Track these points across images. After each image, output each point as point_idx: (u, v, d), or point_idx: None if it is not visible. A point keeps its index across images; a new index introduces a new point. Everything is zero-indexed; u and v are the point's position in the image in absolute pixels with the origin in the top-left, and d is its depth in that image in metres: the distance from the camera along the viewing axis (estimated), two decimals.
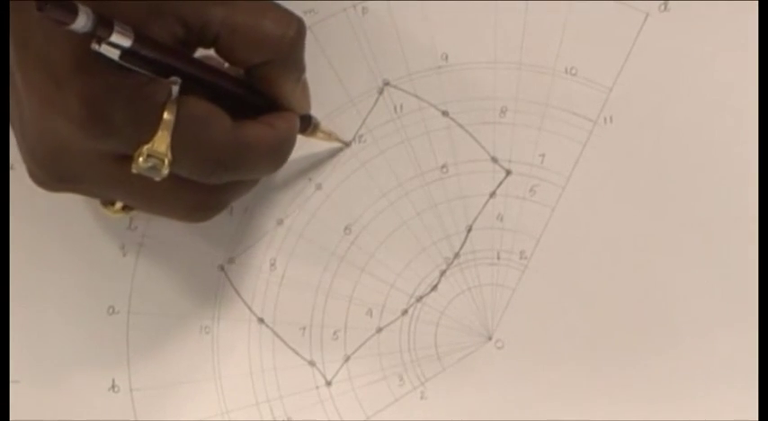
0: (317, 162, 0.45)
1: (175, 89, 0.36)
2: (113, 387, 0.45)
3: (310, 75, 0.43)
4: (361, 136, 0.45)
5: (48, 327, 0.45)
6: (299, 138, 0.42)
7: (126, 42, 0.33)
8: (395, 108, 0.44)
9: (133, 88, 0.34)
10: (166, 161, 0.35)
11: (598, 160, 0.43)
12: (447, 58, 0.44)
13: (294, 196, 0.45)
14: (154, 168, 0.36)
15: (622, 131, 0.43)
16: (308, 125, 0.42)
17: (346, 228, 0.45)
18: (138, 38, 0.34)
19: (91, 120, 0.34)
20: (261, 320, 0.45)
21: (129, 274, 0.45)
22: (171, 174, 0.36)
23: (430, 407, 0.44)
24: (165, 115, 0.35)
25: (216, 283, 0.45)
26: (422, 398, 0.44)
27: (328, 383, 0.44)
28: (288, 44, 0.38)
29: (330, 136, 0.44)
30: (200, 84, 0.37)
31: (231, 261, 0.45)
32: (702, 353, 0.43)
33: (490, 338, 0.44)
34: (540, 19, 0.44)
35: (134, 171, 0.36)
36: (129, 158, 0.36)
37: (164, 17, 0.35)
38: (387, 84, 0.44)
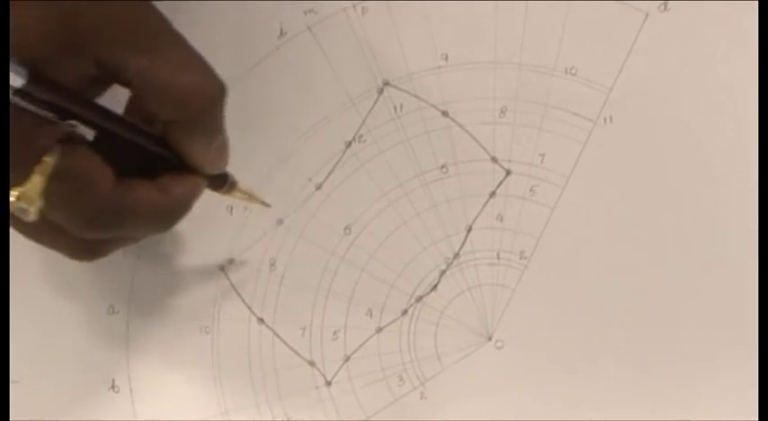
0: (317, 162, 0.45)
1: (87, 133, 0.35)
2: (113, 387, 0.45)
3: (310, 74, 0.44)
4: (361, 136, 0.45)
5: (47, 328, 0.45)
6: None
7: (17, 82, 0.32)
8: (395, 108, 0.44)
9: (19, 130, 0.33)
10: (34, 208, 0.34)
11: (598, 160, 0.43)
12: (447, 58, 0.44)
13: (294, 196, 0.45)
14: (23, 211, 0.34)
15: (622, 131, 0.43)
16: (221, 184, 0.40)
17: (346, 228, 0.45)
18: (34, 79, 0.32)
19: None
20: (261, 320, 0.45)
21: (129, 274, 0.45)
22: (47, 219, 0.35)
23: (430, 407, 0.44)
24: (46, 161, 0.34)
25: (216, 283, 0.45)
26: (422, 398, 0.44)
27: (328, 383, 0.44)
28: (199, 108, 0.36)
29: (250, 196, 0.42)
30: (101, 132, 0.35)
31: (231, 261, 0.45)
32: (702, 352, 0.43)
33: (490, 338, 0.44)
34: (540, 19, 0.44)
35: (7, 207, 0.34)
36: None
37: (77, 55, 0.34)
38: (387, 84, 0.44)
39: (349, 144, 0.45)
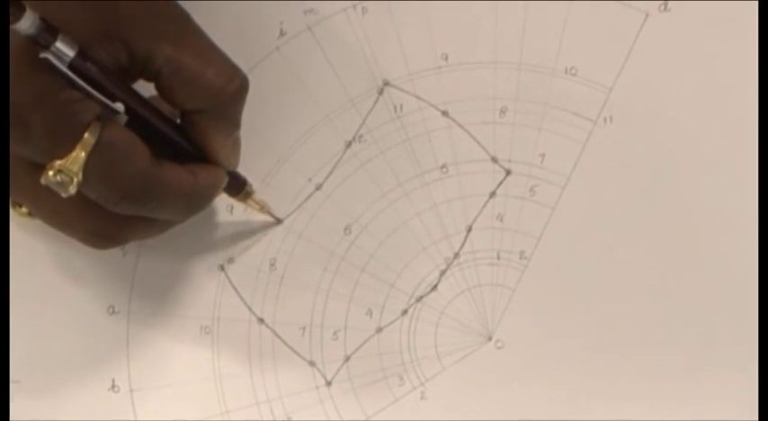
0: (317, 162, 0.45)
1: (121, 118, 0.36)
2: (113, 387, 0.45)
3: (310, 74, 0.43)
4: (361, 136, 0.45)
5: (48, 327, 0.45)
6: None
7: (69, 52, 0.33)
8: (395, 108, 0.44)
9: (61, 103, 0.34)
10: (75, 180, 0.35)
11: (598, 160, 0.44)
12: (447, 58, 0.44)
13: (294, 196, 0.45)
14: (61, 184, 0.35)
15: (622, 131, 0.43)
16: (239, 189, 0.42)
17: (346, 228, 0.45)
18: (82, 53, 0.34)
19: (11, 124, 0.34)
20: (261, 320, 0.45)
21: (129, 274, 0.45)
22: (79, 195, 0.36)
23: (430, 407, 0.44)
24: (86, 136, 0.35)
25: (216, 283, 0.45)
26: (422, 398, 0.44)
27: (328, 383, 0.44)
28: (226, 98, 0.38)
29: (263, 208, 0.43)
30: (132, 116, 0.37)
31: (231, 261, 0.45)
32: (702, 352, 0.43)
33: (490, 338, 0.44)
34: (540, 19, 0.44)
35: (42, 182, 0.35)
36: (42, 168, 0.35)
37: (111, 41, 0.35)
38: (387, 84, 0.44)
39: (349, 144, 0.45)
